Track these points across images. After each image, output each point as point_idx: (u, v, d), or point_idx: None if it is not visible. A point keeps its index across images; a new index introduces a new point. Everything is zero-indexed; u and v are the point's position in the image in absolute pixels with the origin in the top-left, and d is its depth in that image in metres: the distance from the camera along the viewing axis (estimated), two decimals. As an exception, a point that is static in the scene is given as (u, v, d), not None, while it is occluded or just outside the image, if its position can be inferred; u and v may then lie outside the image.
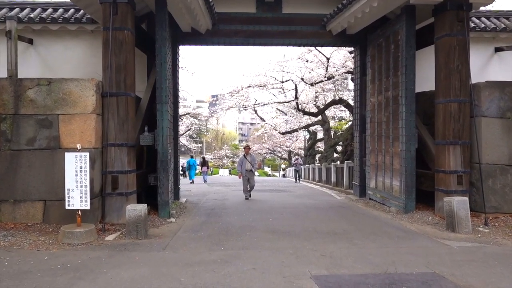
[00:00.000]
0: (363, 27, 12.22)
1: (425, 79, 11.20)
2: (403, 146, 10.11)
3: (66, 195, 7.48)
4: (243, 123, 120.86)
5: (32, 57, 12.05)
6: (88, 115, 8.35)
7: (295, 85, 20.20)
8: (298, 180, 23.52)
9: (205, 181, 24.94)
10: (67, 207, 7.52)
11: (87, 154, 7.50)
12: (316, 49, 17.39)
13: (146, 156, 11.33)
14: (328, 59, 17.76)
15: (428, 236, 7.86)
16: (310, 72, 19.04)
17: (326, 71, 17.71)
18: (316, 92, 24.73)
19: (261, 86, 20.18)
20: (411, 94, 10.02)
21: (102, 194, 8.65)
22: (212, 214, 10.54)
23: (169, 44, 11.18)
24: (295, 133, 39.94)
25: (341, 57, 18.98)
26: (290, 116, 28.79)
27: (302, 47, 17.35)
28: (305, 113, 22.82)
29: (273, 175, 66.33)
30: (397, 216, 9.89)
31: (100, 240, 7.48)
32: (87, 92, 8.37)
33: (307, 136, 35.66)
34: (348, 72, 17.77)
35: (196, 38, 12.71)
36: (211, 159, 73.38)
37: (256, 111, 28.84)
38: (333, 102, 21.36)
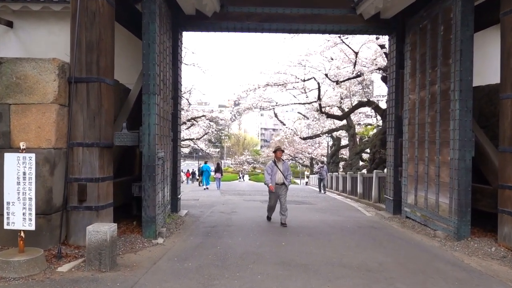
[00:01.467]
0: (400, 9, 9.99)
1: (480, 71, 8.84)
2: (455, 154, 7.77)
3: (5, 210, 5.53)
4: (265, 129, 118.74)
5: (12, 42, 10.26)
6: (48, 105, 6.42)
7: (318, 84, 17.90)
8: (322, 190, 20.95)
9: (218, 187, 23.20)
10: (5, 227, 5.57)
11: (33, 156, 5.52)
12: (343, 42, 15.17)
13: (140, 160, 9.35)
14: (356, 54, 15.48)
15: (500, 280, 5.52)
16: (334, 69, 16.77)
17: (354, 67, 15.42)
18: (341, 94, 22.43)
19: (280, 85, 17.98)
20: (467, 86, 7.70)
21: (65, 208, 6.68)
22: (212, 233, 8.44)
23: (166, 26, 9.22)
24: (317, 138, 37.53)
25: (371, 53, 16.69)
26: (312, 120, 26.52)
27: (326, 36, 15.15)
28: (328, 116, 20.46)
29: (294, 183, 63.80)
30: (446, 244, 7.55)
31: (49, 272, 5.48)
32: (47, 76, 6.44)
33: (330, 142, 33.25)
34: (379, 69, 15.45)
35: (201, 22, 10.72)
36: (231, 164, 71.62)
37: (276, 115, 26.71)
38: (360, 104, 19.02)
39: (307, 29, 10.84)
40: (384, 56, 16.10)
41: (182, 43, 11.22)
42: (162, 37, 8.69)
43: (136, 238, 7.42)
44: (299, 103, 20.98)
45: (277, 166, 9.54)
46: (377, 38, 14.21)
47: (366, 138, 25.82)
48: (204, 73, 19.77)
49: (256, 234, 8.31)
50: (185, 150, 50.15)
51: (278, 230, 8.79)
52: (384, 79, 16.86)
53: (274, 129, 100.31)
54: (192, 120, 28.56)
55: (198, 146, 40.75)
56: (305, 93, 20.62)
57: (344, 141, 33.64)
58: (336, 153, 31.44)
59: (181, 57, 11.22)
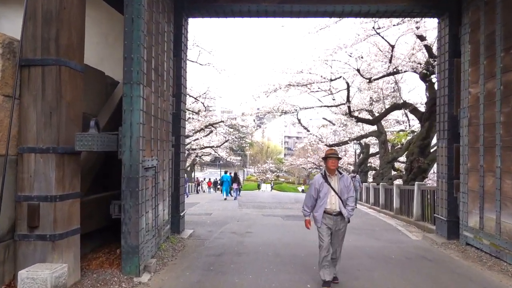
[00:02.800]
0: (456, -18, 7.87)
1: None
2: (548, 164, 5.55)
3: None
4: (288, 137, 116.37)
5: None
6: (-16, 96, 4.64)
7: (347, 83, 15.69)
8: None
9: (235, 198, 22.09)
10: None
11: None
12: (377, 34, 13.04)
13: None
14: (392, 47, 13.30)
15: None
16: (366, 66, 14.57)
17: (390, 62, 13.22)
18: (371, 97, 20.18)
19: (304, 85, 15.83)
20: None
21: (13, 237, 4.86)
22: (215, 265, 6.46)
23: (164, 6, 7.41)
24: (343, 146, 35.12)
25: (408, 48, 14.48)
26: (339, 126, 24.29)
27: (358, 25, 13.08)
28: (358, 120, 18.18)
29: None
30: (539, 289, 5.31)
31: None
32: (-17, 56, 4.67)
33: (358, 150, 30.84)
34: (419, 64, 13.20)
35: (210, 6, 8.89)
36: (254, 172, 69.79)
37: (299, 120, 24.67)
38: (395, 107, 16.74)
39: (337, 11, 8.84)
40: (424, 50, 13.87)
41: (187, 32, 9.41)
42: (157, 17, 6.87)
43: (112, 275, 5.52)
44: (326, 106, 18.71)
45: (329, 183, 5.43)
46: (417, 28, 12.06)
47: (399, 146, 23.38)
48: (220, 74, 18.01)
49: (273, 269, 6.27)
50: (207, 158, 48.61)
51: (302, 262, 6.73)
52: (423, 77, 14.61)
53: (298, 137, 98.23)
54: (211, 127, 26.83)
55: (219, 154, 39.07)
56: (332, 94, 18.37)
57: (373, 149, 31.19)
58: (364, 162, 29.01)
59: (186, 48, 9.39)
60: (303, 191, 57.74)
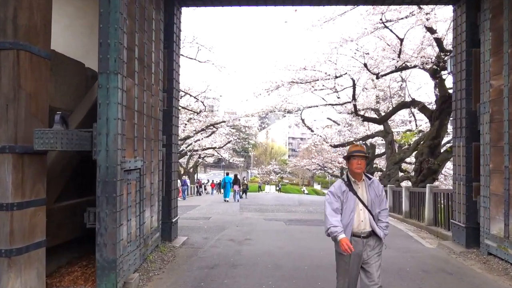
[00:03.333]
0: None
1: None
2: None
3: None
4: (293, 138, 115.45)
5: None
6: None
7: (353, 80, 14.80)
8: None
9: (237, 200, 21.75)
10: None
11: None
12: (385, 27, 12.20)
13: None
14: (401, 40, 12.44)
15: None
16: (372, 62, 13.70)
17: (399, 56, 12.36)
18: (377, 95, 19.35)
19: (307, 82, 14.99)
20: None
21: (-38, 251, 4.12)
22: (207, 281, 5.68)
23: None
24: (349, 146, 34.33)
25: (416, 43, 13.65)
26: (344, 126, 23.47)
27: (363, 14, 12.23)
28: (365, 119, 17.27)
29: (324, 194, 60.33)
30: None
31: None
32: None
33: (363, 151, 29.98)
34: (429, 59, 12.34)
35: (204, -8, 8.13)
36: (257, 174, 69.04)
37: (303, 121, 23.84)
38: (403, 105, 15.88)
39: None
40: (434, 45, 13.04)
41: (180, 22, 8.65)
42: (142, 0, 6.12)
43: (85, 293, 4.76)
44: (330, 104, 17.81)
45: (355, 193, 3.93)
46: (427, 19, 11.23)
47: (406, 146, 22.50)
48: (220, 71, 17.05)
49: (272, 286, 5.47)
50: (210, 160, 47.91)
51: (305, 275, 5.93)
52: (433, 73, 13.77)
53: (302, 138, 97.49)
54: (212, 127, 26.09)
55: (221, 156, 38.32)
56: (337, 92, 17.45)
57: (379, 150, 30.35)
58: (370, 163, 28.11)
59: (179, 40, 8.63)
60: (307, 193, 56.99)
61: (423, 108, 15.15)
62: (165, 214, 7.88)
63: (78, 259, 6.05)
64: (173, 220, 8.18)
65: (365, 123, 23.06)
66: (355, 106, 15.57)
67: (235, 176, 23.15)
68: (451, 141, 19.16)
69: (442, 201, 10.36)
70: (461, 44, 7.96)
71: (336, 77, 14.77)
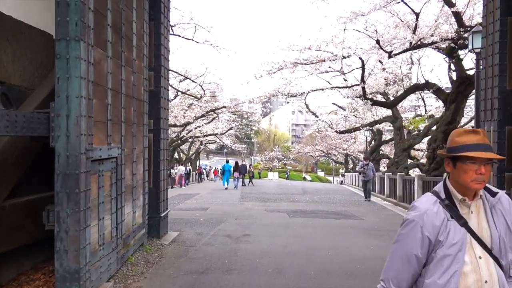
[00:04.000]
0: None
1: None
2: None
3: None
4: (296, 125, 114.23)
5: None
6: None
7: (362, 61, 13.58)
8: (367, 197, 15.52)
9: (235, 187, 21.42)
10: None
11: None
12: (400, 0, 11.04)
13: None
14: (417, 15, 11.24)
15: None
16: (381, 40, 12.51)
17: (414, 32, 11.16)
18: (385, 79, 18.21)
19: (312, 62, 13.85)
20: None
21: None
22: (195, 290, 4.76)
23: None
24: (355, 132, 33.22)
25: (430, 20, 12.48)
26: (350, 111, 22.35)
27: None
28: (374, 103, 16.08)
29: (327, 180, 59.42)
30: None
31: None
32: None
33: (369, 137, 28.91)
34: (447, 40, 11.17)
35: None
36: (260, 161, 68.25)
37: (307, 106, 22.76)
38: (415, 88, 14.73)
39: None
40: (452, 21, 11.88)
41: (170, -10, 7.58)
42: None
43: (42, 312, 3.85)
44: (337, 87, 16.63)
45: (464, 223, 1.79)
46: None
47: (416, 132, 21.46)
48: (220, 53, 16.03)
49: (273, 298, 4.55)
50: (212, 146, 47.04)
51: (312, 283, 5.00)
52: (450, 52, 12.65)
53: (305, 125, 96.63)
54: (213, 113, 25.07)
55: (223, 142, 37.38)
56: (343, 74, 16.23)
57: (385, 136, 29.31)
58: (376, 149, 27.11)
59: (168, 11, 7.58)
60: (310, 179, 56.11)
61: (437, 91, 14.06)
62: (152, 208, 6.95)
63: (45, 262, 5.14)
64: (163, 215, 7.25)
65: (372, 108, 22.00)
66: (363, 89, 14.46)
67: (236, 163, 22.45)
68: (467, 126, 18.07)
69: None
70: (493, 13, 6.85)
71: (344, 57, 13.60)
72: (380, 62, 17.27)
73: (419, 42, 11.05)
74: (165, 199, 7.50)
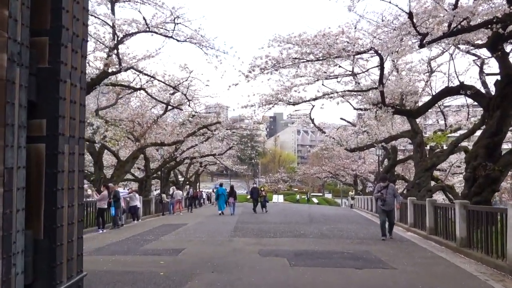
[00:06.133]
0: None
1: None
2: None
3: None
4: (302, 145, 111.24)
5: None
6: None
7: (381, 57, 10.31)
8: (388, 233, 11.14)
9: (232, 212, 20.21)
10: None
11: None
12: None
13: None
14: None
15: None
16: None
17: (454, 8, 8.05)
18: (403, 83, 15.11)
19: (318, 59, 10.64)
20: None
21: None
22: None
23: None
24: (364, 152, 30.01)
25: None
26: (361, 126, 19.24)
27: None
28: (396, 111, 12.70)
29: (335, 203, 55.82)
30: None
31: None
32: None
33: (381, 156, 25.73)
34: (497, 22, 8.18)
35: None
36: (265, 182, 65.01)
37: (313, 120, 19.82)
38: (448, 91, 11.60)
39: None
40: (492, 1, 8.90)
41: None
42: None
43: None
44: (349, 91, 13.30)
45: None
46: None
47: (438, 149, 18.27)
48: (207, 54, 13.16)
49: None
50: (213, 168, 43.98)
51: None
52: (495, 41, 9.63)
53: (311, 145, 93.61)
54: (207, 130, 22.15)
55: (222, 163, 34.34)
56: (356, 76, 12.89)
57: (399, 155, 26.00)
58: (391, 169, 23.87)
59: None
60: (317, 203, 52.57)
61: (476, 95, 10.99)
62: (42, 275, 3.84)
63: None
64: (61, 280, 4.12)
65: (388, 121, 18.90)
66: (382, 93, 11.36)
67: (231, 188, 21.26)
68: None
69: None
70: None
71: (357, 53, 10.52)
72: (395, 66, 14.33)
73: (461, 25, 8.06)
74: (73, 257, 4.38)
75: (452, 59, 11.42)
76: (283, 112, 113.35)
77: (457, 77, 10.48)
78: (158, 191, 24.74)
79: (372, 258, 8.06)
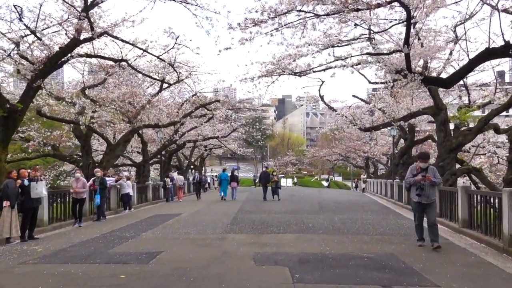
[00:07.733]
0: None
1: None
2: None
3: None
4: (311, 128, 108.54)
5: None
6: None
7: (407, 10, 7.75)
8: (432, 239, 7.37)
9: (232, 197, 19.83)
10: None
11: None
12: None
13: None
14: None
15: None
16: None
17: None
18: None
19: (329, 14, 8.37)
20: None
21: None
22: None
23: None
24: (376, 133, 27.73)
25: None
26: (377, 102, 16.94)
27: None
28: (426, 79, 10.00)
29: (345, 186, 53.76)
30: None
31: None
32: None
33: (396, 137, 23.38)
34: None
35: None
36: (273, 166, 63.02)
37: (322, 97, 17.60)
38: (489, 54, 8.93)
39: None
40: None
41: None
42: None
43: None
44: (368, 54, 10.64)
45: None
46: None
47: (466, 127, 16.01)
48: (196, 16, 10.98)
49: None
50: (218, 151, 42.01)
51: None
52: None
53: (320, 128, 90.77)
54: (206, 110, 20.10)
55: (226, 146, 32.39)
56: (373, 39, 10.32)
57: (417, 134, 23.62)
58: (407, 151, 21.66)
59: None
60: (329, 185, 50.52)
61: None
62: None
63: None
64: None
65: (406, 96, 16.65)
66: (407, 56, 9.03)
67: (232, 172, 20.47)
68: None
69: None
70: None
71: (378, 5, 8.15)
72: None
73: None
74: None
75: (492, 15, 9.11)
76: (291, 94, 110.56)
77: (502, 34, 8.12)
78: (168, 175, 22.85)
79: (401, 267, 6.05)
